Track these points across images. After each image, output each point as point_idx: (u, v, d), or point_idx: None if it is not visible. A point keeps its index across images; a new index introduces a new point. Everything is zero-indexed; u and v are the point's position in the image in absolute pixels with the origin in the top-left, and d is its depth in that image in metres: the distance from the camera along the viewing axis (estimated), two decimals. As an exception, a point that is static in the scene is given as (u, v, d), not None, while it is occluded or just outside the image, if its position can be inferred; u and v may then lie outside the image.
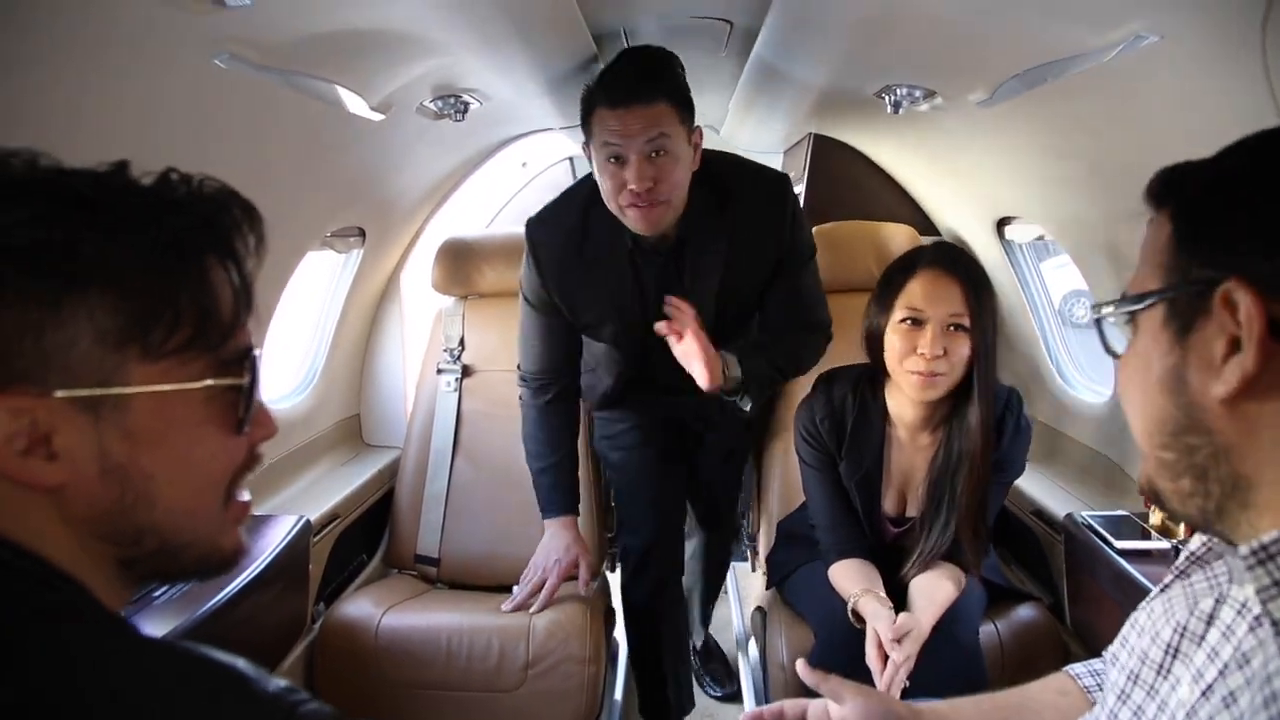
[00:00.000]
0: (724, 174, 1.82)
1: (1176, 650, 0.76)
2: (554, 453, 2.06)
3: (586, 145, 1.73)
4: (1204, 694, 0.68)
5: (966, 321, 1.62)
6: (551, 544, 2.08)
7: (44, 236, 0.56)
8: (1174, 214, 0.68)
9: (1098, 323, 0.75)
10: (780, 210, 1.82)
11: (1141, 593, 1.56)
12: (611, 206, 1.72)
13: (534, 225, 1.90)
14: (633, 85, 1.62)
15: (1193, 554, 0.84)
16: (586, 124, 1.69)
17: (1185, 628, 0.76)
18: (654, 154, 1.63)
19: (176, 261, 0.61)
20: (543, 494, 2.09)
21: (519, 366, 2.07)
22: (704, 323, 1.75)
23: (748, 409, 1.85)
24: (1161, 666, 0.77)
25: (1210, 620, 0.73)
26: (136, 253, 0.59)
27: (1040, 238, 2.40)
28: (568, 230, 1.84)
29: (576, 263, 1.84)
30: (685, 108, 1.68)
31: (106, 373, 0.59)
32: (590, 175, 1.81)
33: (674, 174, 1.66)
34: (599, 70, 1.73)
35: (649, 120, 1.61)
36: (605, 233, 1.80)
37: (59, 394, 0.57)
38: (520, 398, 2.08)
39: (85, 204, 0.58)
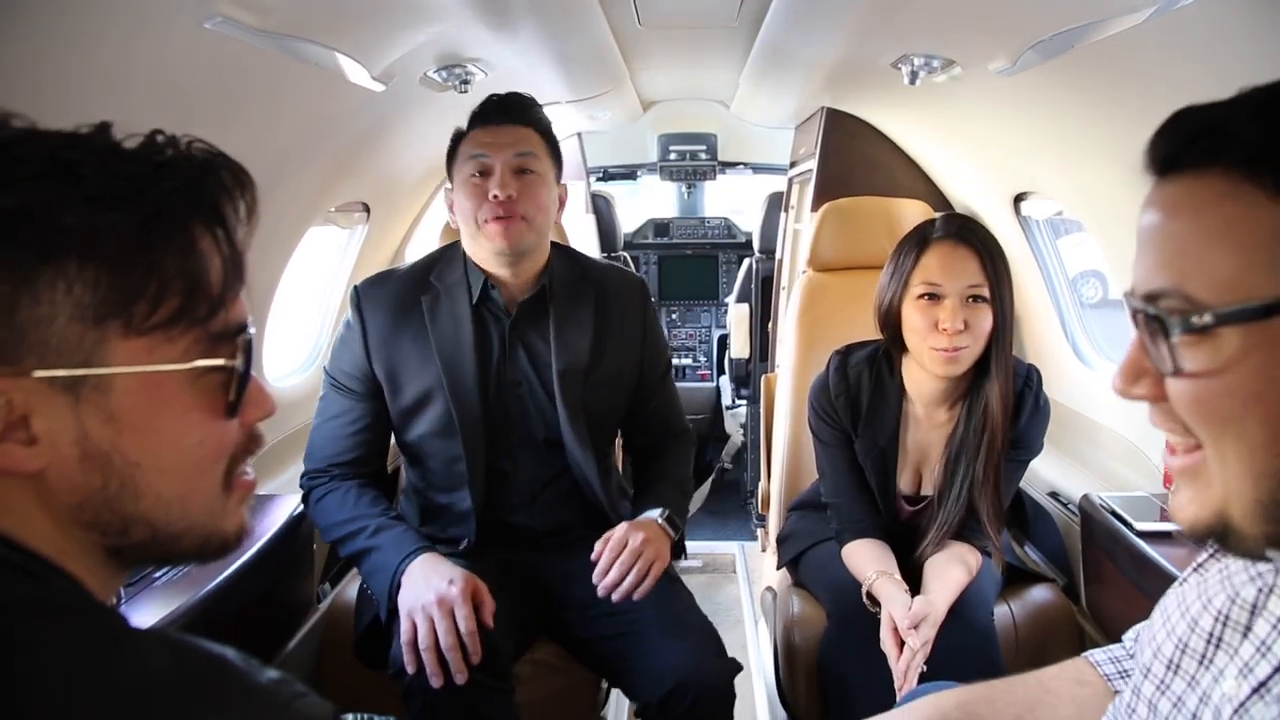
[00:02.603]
0: (583, 258, 1.85)
1: (1219, 640, 0.72)
2: (378, 512, 1.63)
3: (450, 191, 1.70)
4: (1256, 691, 0.65)
5: (986, 292, 1.58)
6: (427, 578, 1.48)
7: (16, 204, 0.52)
8: None
9: (1166, 335, 0.59)
10: (643, 301, 1.84)
11: (1160, 574, 1.54)
12: (468, 230, 1.66)
13: (365, 285, 1.74)
14: (507, 108, 1.67)
15: None
16: (452, 157, 1.69)
17: (1228, 616, 0.72)
18: (520, 171, 1.62)
19: (161, 229, 0.57)
20: (383, 553, 1.56)
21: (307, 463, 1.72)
22: (571, 413, 1.70)
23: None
24: (1204, 657, 0.74)
25: (1254, 610, 0.70)
26: (118, 221, 0.55)
27: (1058, 213, 2.35)
28: (406, 284, 1.72)
29: (408, 318, 1.69)
30: (554, 153, 1.71)
31: (86, 351, 0.55)
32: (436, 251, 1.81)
33: (539, 194, 1.65)
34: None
35: (519, 137, 1.64)
36: (449, 284, 1.71)
37: (37, 374, 0.54)
38: (307, 497, 1.70)
39: (63, 168, 0.54)
